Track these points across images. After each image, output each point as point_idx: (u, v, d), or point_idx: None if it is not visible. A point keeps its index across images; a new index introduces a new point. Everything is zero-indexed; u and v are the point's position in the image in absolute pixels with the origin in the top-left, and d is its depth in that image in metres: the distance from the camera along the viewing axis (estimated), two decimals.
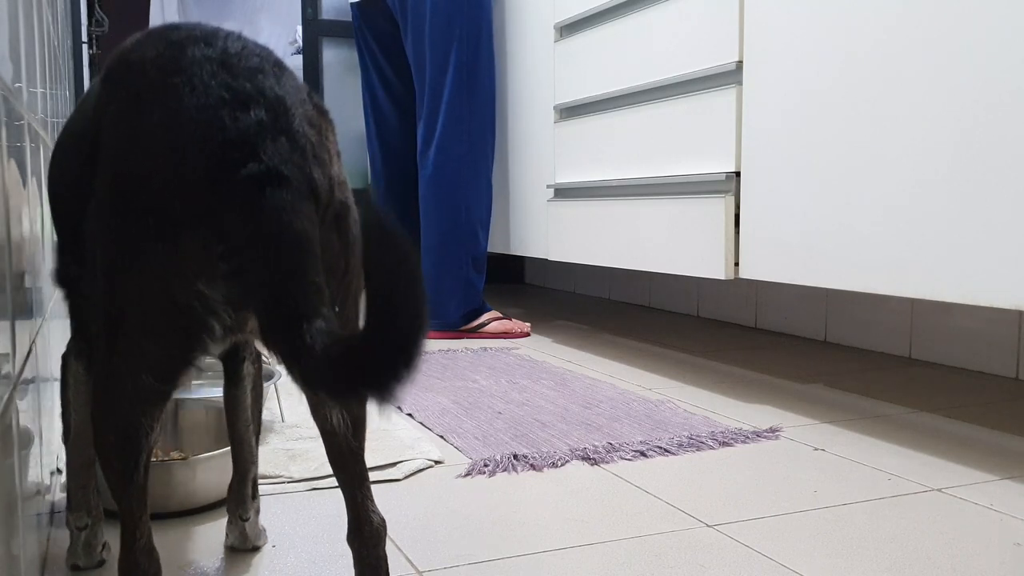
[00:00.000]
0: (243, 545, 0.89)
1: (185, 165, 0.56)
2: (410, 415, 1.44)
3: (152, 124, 0.57)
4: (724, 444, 1.25)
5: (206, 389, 1.36)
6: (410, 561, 0.87)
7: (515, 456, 1.19)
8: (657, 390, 1.61)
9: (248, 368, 0.87)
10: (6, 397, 0.59)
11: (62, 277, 0.77)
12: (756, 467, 1.16)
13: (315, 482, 1.10)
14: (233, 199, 0.55)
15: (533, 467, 1.16)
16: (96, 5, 3.24)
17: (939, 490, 1.06)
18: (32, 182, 0.89)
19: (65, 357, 0.81)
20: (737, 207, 1.56)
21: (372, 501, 0.70)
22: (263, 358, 0.92)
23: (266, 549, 0.90)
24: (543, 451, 1.21)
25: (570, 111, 2.15)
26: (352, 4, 2.64)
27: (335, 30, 3.23)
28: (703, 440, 1.26)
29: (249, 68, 0.60)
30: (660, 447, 1.23)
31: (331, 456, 0.70)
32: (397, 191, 2.60)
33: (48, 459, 0.94)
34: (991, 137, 1.11)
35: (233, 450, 0.88)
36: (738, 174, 1.56)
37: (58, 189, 0.74)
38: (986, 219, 1.11)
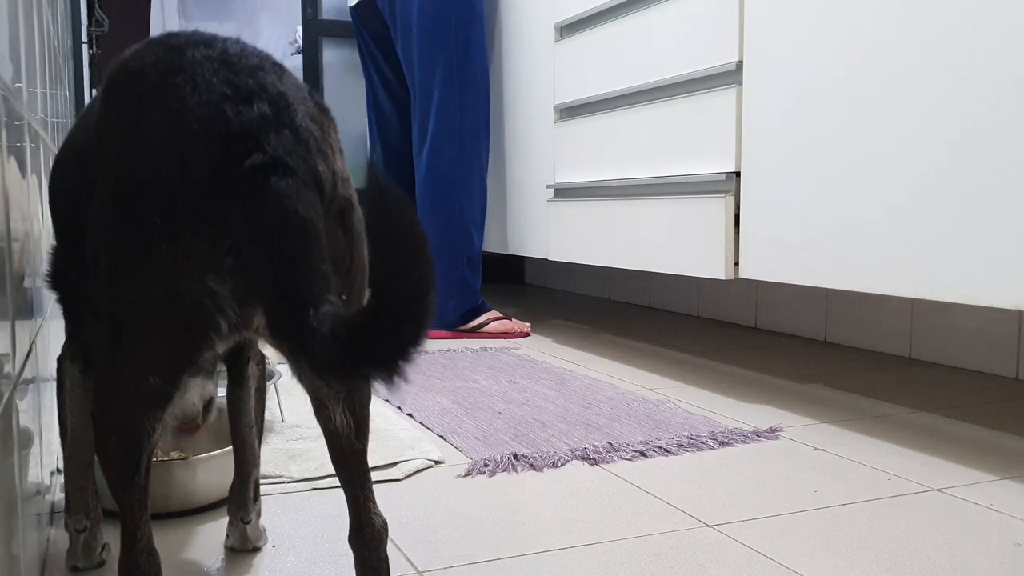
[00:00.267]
0: (243, 546, 0.89)
1: (189, 161, 0.56)
2: (410, 415, 1.44)
3: (154, 123, 0.57)
4: (724, 444, 1.25)
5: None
6: (410, 561, 0.87)
7: (515, 456, 1.19)
8: (657, 390, 1.61)
9: (252, 369, 0.86)
10: (6, 397, 0.59)
11: (56, 280, 0.77)
12: (756, 467, 1.16)
13: (315, 482, 1.10)
14: (238, 191, 0.55)
15: (533, 467, 1.16)
16: (96, 5, 3.24)
17: (939, 490, 1.06)
18: (32, 182, 0.89)
19: (60, 360, 0.80)
20: (737, 207, 1.56)
21: (374, 503, 0.70)
22: (265, 359, 0.92)
23: (266, 549, 0.90)
24: (543, 451, 1.21)
25: (570, 111, 2.15)
26: (350, 7, 2.65)
27: (335, 30, 3.23)
28: (703, 440, 1.26)
29: (250, 66, 0.60)
30: (660, 447, 1.23)
31: (334, 457, 0.70)
32: None
33: (48, 459, 0.94)
34: (991, 137, 1.11)
35: (235, 452, 0.88)
36: (738, 174, 1.56)
37: (60, 198, 0.75)
38: (986, 219, 1.11)
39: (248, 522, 0.89)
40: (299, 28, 3.33)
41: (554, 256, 2.22)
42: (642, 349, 2.04)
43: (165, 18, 4.21)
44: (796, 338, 2.14)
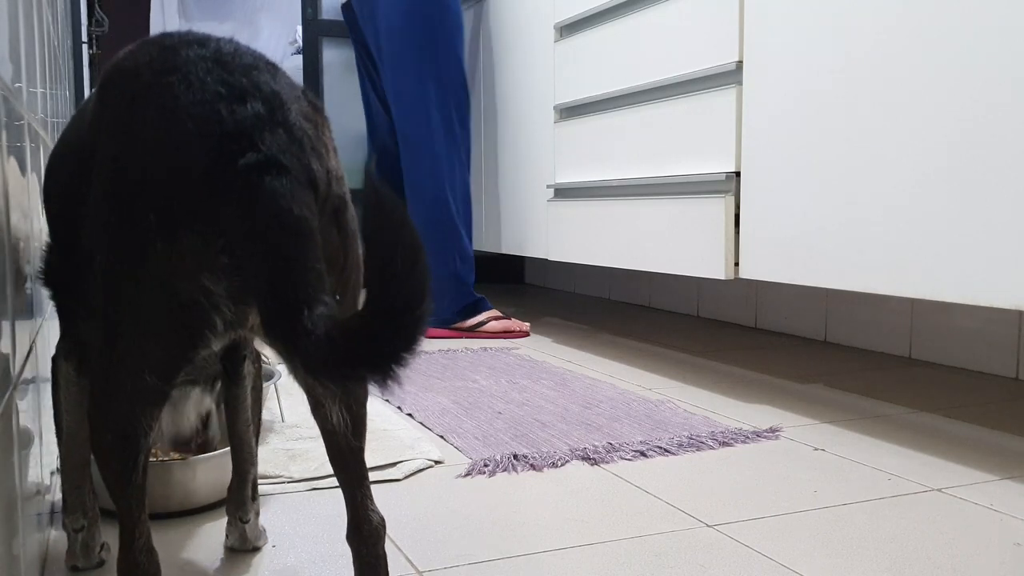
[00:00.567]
0: (243, 546, 0.89)
1: (184, 159, 0.56)
2: (410, 415, 1.44)
3: (149, 122, 0.58)
4: (724, 444, 1.25)
5: None
6: (410, 561, 0.87)
7: (515, 456, 1.19)
8: (657, 390, 1.61)
9: (248, 368, 0.86)
10: (6, 397, 0.59)
11: (49, 278, 0.77)
12: (756, 467, 1.16)
13: (315, 482, 1.10)
14: (232, 190, 0.55)
15: (533, 467, 1.16)
16: (96, 5, 3.24)
17: (939, 490, 1.06)
18: (32, 181, 0.89)
19: (55, 359, 0.80)
20: (737, 207, 1.56)
21: (372, 500, 0.70)
22: (263, 358, 0.92)
23: (266, 549, 0.90)
24: (543, 451, 1.21)
25: (570, 111, 2.15)
26: (341, 7, 2.66)
27: (335, 30, 3.23)
28: (703, 440, 1.26)
29: (244, 65, 0.60)
30: (660, 447, 1.23)
31: (331, 455, 0.70)
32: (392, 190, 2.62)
33: (48, 459, 0.94)
34: (991, 137, 1.11)
35: (233, 451, 0.88)
36: (738, 174, 1.56)
37: (54, 197, 0.74)
38: (986, 219, 1.11)
39: (247, 522, 0.89)
40: (299, 28, 3.33)
41: (554, 256, 2.22)
42: (642, 349, 2.04)
43: (165, 18, 4.21)
44: (796, 338, 2.14)
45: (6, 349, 0.60)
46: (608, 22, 1.94)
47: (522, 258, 3.60)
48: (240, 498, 0.88)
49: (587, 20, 2.05)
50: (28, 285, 0.79)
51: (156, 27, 4.16)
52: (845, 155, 1.33)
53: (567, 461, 1.18)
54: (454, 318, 2.29)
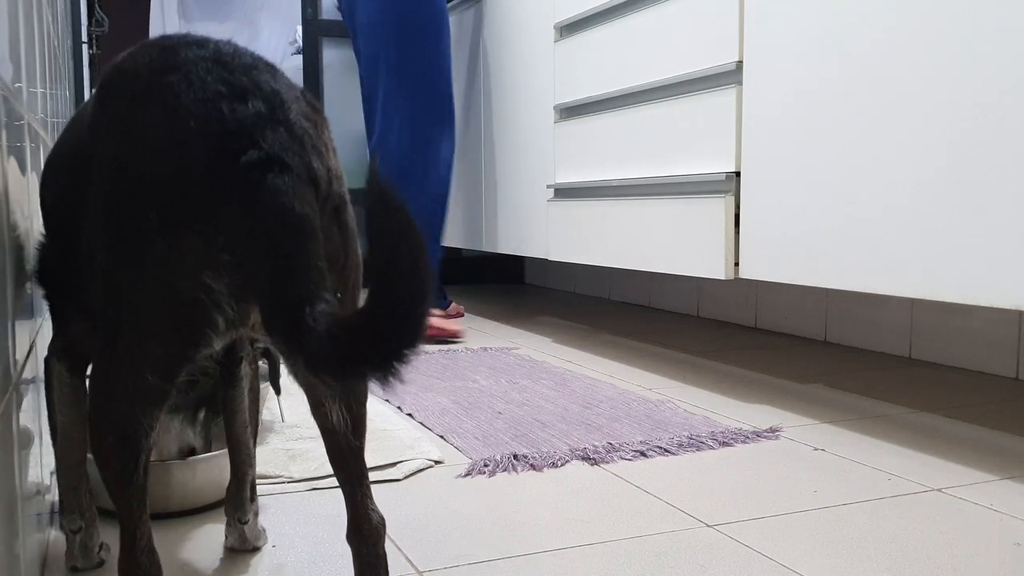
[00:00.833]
0: (243, 546, 0.89)
1: (185, 158, 0.56)
2: (410, 415, 1.44)
3: (150, 121, 0.58)
4: (724, 444, 1.25)
5: None
6: (410, 561, 0.87)
7: (515, 456, 1.19)
8: (657, 390, 1.61)
9: (245, 369, 0.87)
10: (6, 397, 0.59)
11: (43, 277, 0.77)
12: (756, 467, 1.16)
13: (315, 482, 1.10)
14: (234, 188, 0.55)
15: (533, 467, 1.16)
16: (96, 5, 3.24)
17: (939, 490, 1.06)
18: (32, 181, 0.89)
19: (47, 360, 0.80)
20: (737, 207, 1.56)
21: (371, 499, 0.70)
22: (258, 359, 0.92)
23: (266, 549, 0.90)
24: (543, 451, 1.21)
25: (570, 111, 2.15)
26: (336, 5, 2.67)
27: (335, 30, 3.23)
28: (703, 440, 1.26)
29: (244, 65, 0.60)
30: (660, 447, 1.23)
31: (331, 454, 0.70)
32: None
33: (48, 459, 0.94)
34: (991, 137, 1.11)
35: (230, 452, 0.88)
36: (738, 174, 1.56)
37: (51, 197, 0.74)
38: (986, 219, 1.11)
39: (245, 522, 0.89)
40: (299, 28, 3.33)
41: (554, 256, 2.22)
42: (642, 349, 2.04)
43: (165, 18, 4.21)
44: (796, 338, 2.14)
45: (6, 349, 0.60)
46: (608, 22, 1.94)
47: (522, 258, 3.60)
48: (238, 499, 0.88)
49: (587, 20, 2.05)
50: (28, 285, 0.79)
51: (156, 27, 4.16)
52: (845, 155, 1.33)
53: (567, 461, 1.18)
54: None
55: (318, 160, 0.59)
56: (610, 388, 1.61)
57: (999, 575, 0.83)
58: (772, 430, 1.31)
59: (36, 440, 0.82)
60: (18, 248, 0.72)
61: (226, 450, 0.94)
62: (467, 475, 1.13)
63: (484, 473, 1.14)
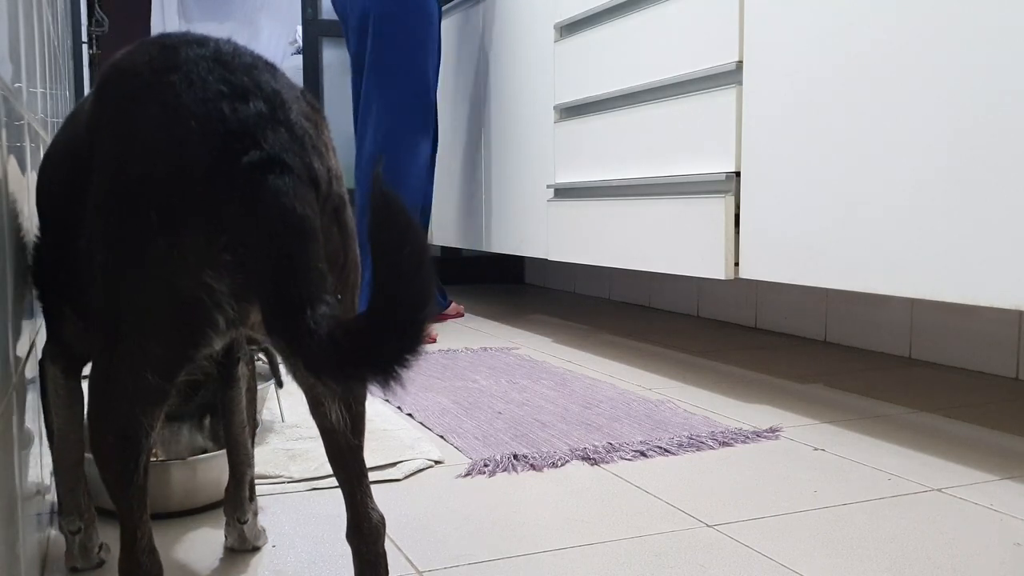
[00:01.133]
0: (242, 546, 0.89)
1: (187, 158, 0.56)
2: (410, 415, 1.44)
3: (151, 120, 0.57)
4: (724, 444, 1.25)
5: None
6: (410, 561, 0.87)
7: (515, 456, 1.19)
8: (657, 390, 1.61)
9: (243, 370, 0.87)
10: (6, 397, 0.59)
11: (39, 279, 0.76)
12: (756, 467, 1.16)
13: (315, 482, 1.10)
14: (235, 188, 0.55)
15: (533, 467, 1.16)
16: (96, 5, 3.24)
17: (939, 490, 1.06)
18: (32, 181, 0.89)
19: (42, 362, 0.80)
20: (737, 207, 1.56)
21: (371, 498, 0.70)
22: (255, 360, 0.92)
23: (266, 549, 0.90)
24: (543, 451, 1.21)
25: (570, 111, 2.15)
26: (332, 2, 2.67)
27: (335, 30, 3.23)
28: (703, 440, 1.26)
29: (244, 64, 0.60)
30: (660, 447, 1.23)
31: (330, 453, 0.70)
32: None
33: (48, 459, 0.94)
34: (991, 137, 1.11)
35: (229, 453, 0.88)
36: (738, 174, 1.56)
37: (47, 197, 0.74)
38: (986, 219, 1.11)
39: (244, 522, 0.89)
40: (299, 28, 3.33)
41: (554, 256, 2.22)
42: (642, 349, 2.04)
43: (165, 18, 4.21)
44: (796, 338, 2.14)
45: (6, 349, 0.60)
46: (608, 22, 1.94)
47: (522, 258, 3.60)
48: (237, 499, 0.88)
49: (587, 20, 2.05)
50: (29, 284, 0.79)
51: (156, 27, 4.17)
52: (845, 155, 1.33)
53: (567, 461, 1.18)
54: None
55: (318, 160, 0.59)
56: (610, 388, 1.61)
57: (999, 575, 0.83)
58: (772, 430, 1.31)
59: (36, 440, 0.82)
60: (18, 248, 0.72)
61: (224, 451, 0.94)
62: (467, 475, 1.13)
63: (484, 473, 1.14)
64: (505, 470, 1.15)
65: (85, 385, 0.66)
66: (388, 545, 0.71)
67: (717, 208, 1.58)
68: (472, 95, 2.72)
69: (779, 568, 0.85)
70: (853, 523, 0.96)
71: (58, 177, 0.71)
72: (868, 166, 1.29)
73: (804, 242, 1.41)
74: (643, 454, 1.21)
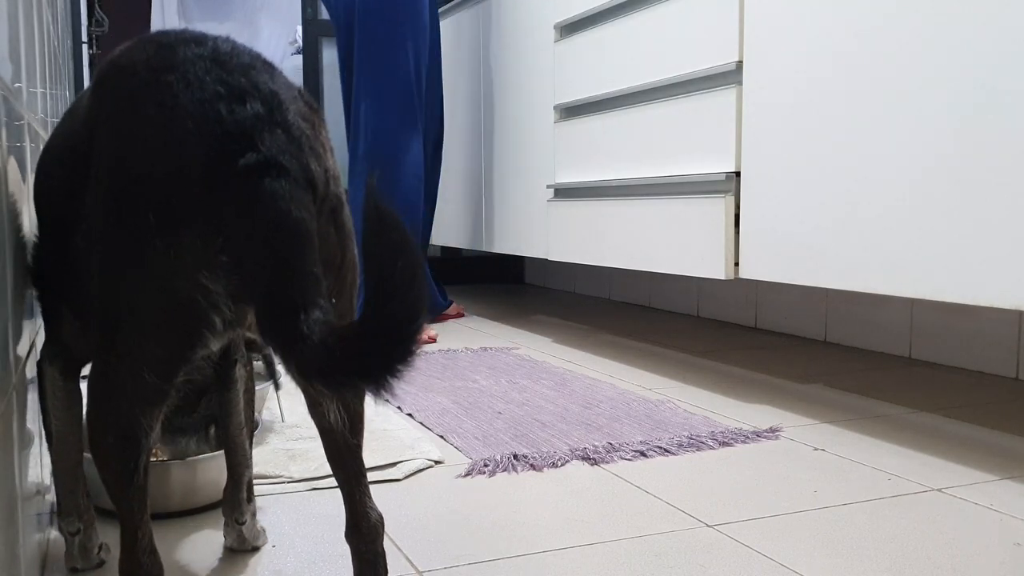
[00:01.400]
0: (242, 546, 0.89)
1: (184, 159, 0.56)
2: (410, 415, 1.44)
3: (148, 121, 0.57)
4: (724, 444, 1.25)
5: None
6: (410, 561, 0.87)
7: (515, 456, 1.19)
8: (657, 390, 1.61)
9: (240, 371, 0.86)
10: (6, 397, 0.59)
11: (37, 279, 0.76)
12: (756, 467, 1.16)
13: (315, 482, 1.10)
14: (232, 190, 0.55)
15: (533, 467, 1.16)
16: (96, 5, 3.25)
17: (939, 490, 1.06)
18: (32, 181, 0.89)
19: (40, 364, 0.80)
20: (737, 207, 1.56)
21: (370, 498, 0.70)
22: (252, 361, 0.92)
23: (266, 549, 0.90)
24: (543, 451, 1.21)
25: (570, 111, 2.15)
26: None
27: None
28: (703, 440, 1.26)
29: (242, 64, 0.60)
30: (660, 447, 1.23)
31: (329, 453, 0.70)
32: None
33: (48, 459, 0.94)
34: (990, 138, 1.11)
35: (227, 454, 0.88)
36: (738, 174, 1.56)
37: (45, 196, 0.74)
38: (985, 219, 1.11)
39: (243, 523, 0.89)
40: (299, 28, 3.33)
41: (554, 256, 2.22)
42: (642, 349, 2.04)
43: (165, 18, 4.21)
44: (796, 338, 2.14)
45: (6, 349, 0.60)
46: (608, 22, 1.94)
47: (522, 258, 3.60)
48: (235, 500, 0.88)
49: (587, 20, 2.05)
50: (29, 284, 0.79)
51: (156, 27, 4.16)
52: (845, 155, 1.33)
53: (567, 461, 1.18)
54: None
55: (315, 162, 0.59)
56: (610, 388, 1.61)
57: (999, 575, 0.83)
58: (772, 430, 1.31)
59: (36, 440, 0.82)
60: (18, 248, 0.72)
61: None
62: (467, 475, 1.13)
63: (484, 473, 1.14)
64: (505, 470, 1.15)
65: (84, 386, 0.66)
66: (388, 545, 0.71)
67: (717, 208, 1.58)
68: (472, 95, 2.72)
69: (779, 568, 0.85)
70: (853, 523, 0.96)
71: (55, 174, 0.71)
72: (868, 166, 1.29)
73: (804, 242, 1.41)
74: (643, 454, 1.21)
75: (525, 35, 2.36)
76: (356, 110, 2.31)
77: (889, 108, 1.25)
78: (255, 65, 0.61)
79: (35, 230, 0.77)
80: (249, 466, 0.89)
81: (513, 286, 3.52)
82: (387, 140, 2.25)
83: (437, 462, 1.19)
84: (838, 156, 1.34)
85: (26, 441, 0.72)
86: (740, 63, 1.54)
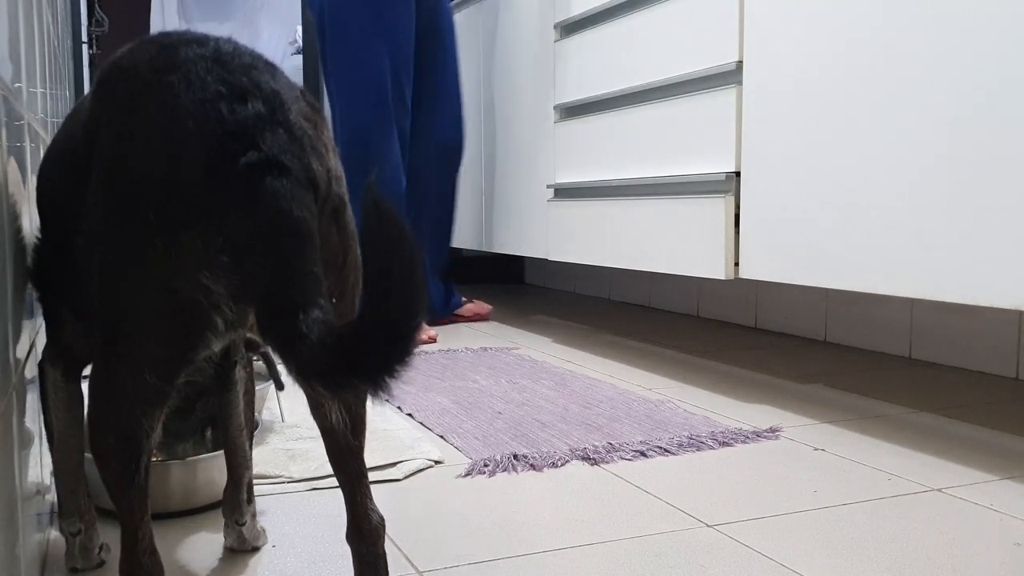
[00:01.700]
0: (242, 547, 0.89)
1: (185, 159, 0.56)
2: (410, 415, 1.44)
3: (149, 121, 0.57)
4: (724, 444, 1.25)
5: None
6: (410, 561, 0.87)
7: (515, 456, 1.19)
8: (657, 390, 1.61)
9: (240, 372, 0.86)
10: (6, 397, 0.59)
11: (39, 280, 0.76)
12: (756, 467, 1.16)
13: (315, 482, 1.10)
14: (233, 190, 0.55)
15: (533, 467, 1.16)
16: (96, 5, 3.25)
17: (939, 490, 1.06)
18: (32, 182, 0.89)
19: (41, 365, 0.80)
20: (737, 207, 1.56)
21: (371, 499, 0.70)
22: (252, 362, 0.92)
23: (266, 549, 0.90)
24: (543, 451, 1.21)
25: (570, 111, 2.15)
26: None
27: None
28: (703, 440, 1.26)
29: (243, 64, 0.60)
30: (660, 447, 1.23)
31: (330, 454, 0.70)
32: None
33: (48, 459, 0.94)
34: (990, 137, 1.11)
35: (226, 455, 0.88)
36: (738, 174, 1.56)
37: (47, 197, 0.74)
38: (986, 219, 1.12)
39: (243, 524, 0.89)
40: (299, 28, 3.33)
41: (554, 256, 2.22)
42: (642, 349, 2.04)
43: (165, 18, 4.21)
44: (796, 338, 2.14)
45: (6, 349, 0.60)
46: (608, 22, 1.94)
47: (522, 258, 3.60)
48: (235, 501, 0.88)
49: (587, 20, 2.05)
50: (28, 284, 0.79)
51: (156, 27, 4.17)
52: (845, 155, 1.33)
53: (567, 461, 1.18)
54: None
55: (317, 161, 0.59)
56: (610, 388, 1.61)
57: (999, 575, 0.83)
58: (772, 430, 1.31)
59: (36, 440, 0.82)
60: (18, 248, 0.72)
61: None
62: (467, 475, 1.13)
63: (484, 473, 1.14)
64: (505, 470, 1.15)
65: (85, 387, 0.66)
66: (388, 545, 0.71)
67: (717, 208, 1.58)
68: (472, 95, 2.72)
69: (779, 568, 0.85)
70: (853, 523, 0.96)
71: (57, 176, 0.71)
72: (868, 165, 1.29)
73: (804, 242, 1.41)
74: (643, 454, 1.21)
75: (525, 35, 2.36)
76: (332, 112, 2.29)
77: (889, 108, 1.25)
78: (257, 65, 0.61)
79: (37, 231, 0.77)
80: (249, 467, 0.89)
81: (513, 286, 3.52)
82: (359, 140, 2.20)
83: (437, 462, 1.19)
84: (838, 156, 1.34)
85: (26, 441, 0.72)
86: (740, 63, 1.54)
